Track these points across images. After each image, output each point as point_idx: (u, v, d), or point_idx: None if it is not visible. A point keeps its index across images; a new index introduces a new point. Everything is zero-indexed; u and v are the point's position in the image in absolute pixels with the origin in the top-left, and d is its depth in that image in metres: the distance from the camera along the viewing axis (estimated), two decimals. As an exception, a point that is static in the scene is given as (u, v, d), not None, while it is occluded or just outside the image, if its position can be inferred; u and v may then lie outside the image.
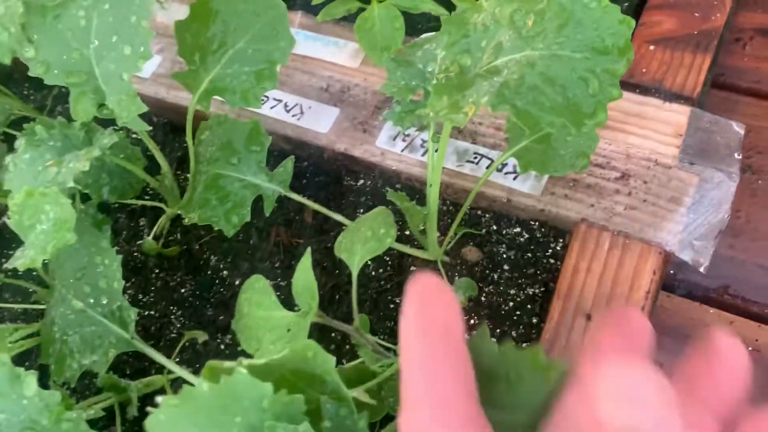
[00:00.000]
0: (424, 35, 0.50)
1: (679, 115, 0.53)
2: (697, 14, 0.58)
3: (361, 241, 0.45)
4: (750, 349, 0.54)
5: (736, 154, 0.51)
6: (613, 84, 0.33)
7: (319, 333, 0.52)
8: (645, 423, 0.20)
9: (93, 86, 0.45)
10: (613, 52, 0.33)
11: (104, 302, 0.48)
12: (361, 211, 0.57)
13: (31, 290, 0.55)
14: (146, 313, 0.56)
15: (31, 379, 0.37)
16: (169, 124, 0.66)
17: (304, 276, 0.43)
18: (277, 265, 0.57)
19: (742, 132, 0.52)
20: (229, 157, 0.52)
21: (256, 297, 0.46)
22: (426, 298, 0.25)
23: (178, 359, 0.53)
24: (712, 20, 0.58)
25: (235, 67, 0.47)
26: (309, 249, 0.45)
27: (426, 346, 0.24)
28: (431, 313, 0.24)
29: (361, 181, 0.58)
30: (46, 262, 0.45)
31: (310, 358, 0.32)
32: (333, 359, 0.32)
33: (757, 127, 0.64)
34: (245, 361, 0.31)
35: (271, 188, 0.51)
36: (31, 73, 0.45)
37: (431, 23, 0.66)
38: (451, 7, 0.64)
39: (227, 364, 0.31)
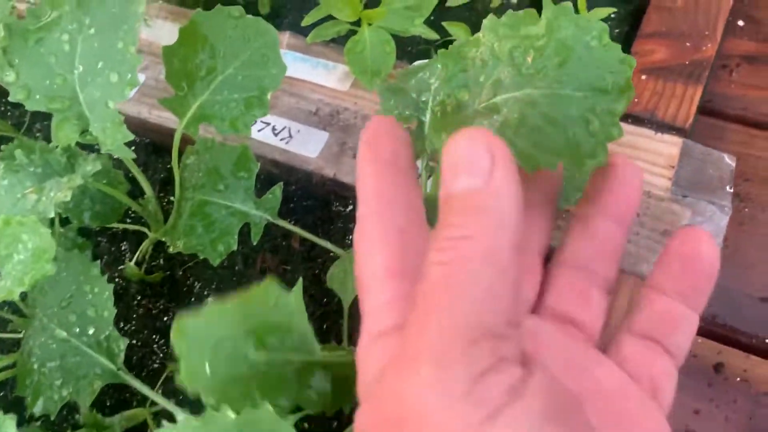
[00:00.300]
0: (416, 63, 0.49)
1: (671, 146, 0.53)
2: (688, 44, 0.58)
3: (352, 273, 0.44)
4: (738, 379, 0.54)
5: (728, 187, 0.51)
6: (614, 124, 0.33)
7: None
8: (476, 182, 0.22)
9: (76, 112, 0.43)
10: (613, 91, 0.32)
11: (91, 332, 0.47)
12: (350, 238, 0.56)
13: (6, 319, 0.53)
14: (128, 341, 0.54)
15: (9, 423, 0.36)
16: (151, 145, 0.64)
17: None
18: (263, 292, 0.55)
19: (733, 164, 0.53)
20: (216, 183, 0.50)
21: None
22: (377, 132, 0.28)
23: (161, 390, 0.52)
24: (703, 50, 0.58)
25: (225, 94, 0.45)
26: (300, 280, 0.44)
27: (375, 169, 0.27)
28: (381, 143, 0.27)
29: (351, 207, 0.57)
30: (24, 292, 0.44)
31: (273, 305, 0.33)
32: (294, 298, 0.34)
33: (744, 155, 0.64)
34: (208, 307, 0.31)
35: (259, 216, 0.50)
36: (11, 98, 0.44)
37: (421, 46, 0.65)
38: (441, 31, 0.63)
39: (194, 312, 0.31)
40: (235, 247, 0.49)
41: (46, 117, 0.68)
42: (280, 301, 0.33)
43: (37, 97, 0.43)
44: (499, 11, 0.67)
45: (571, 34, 0.32)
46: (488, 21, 0.33)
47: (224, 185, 0.49)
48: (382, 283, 0.25)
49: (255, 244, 0.51)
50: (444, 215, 0.23)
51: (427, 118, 0.41)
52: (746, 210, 0.61)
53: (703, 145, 0.61)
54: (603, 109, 0.32)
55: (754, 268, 0.58)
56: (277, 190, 0.49)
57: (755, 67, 0.69)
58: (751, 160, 0.64)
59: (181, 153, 0.52)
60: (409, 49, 0.65)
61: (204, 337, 0.31)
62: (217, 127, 0.46)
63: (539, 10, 0.62)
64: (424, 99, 0.42)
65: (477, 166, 0.22)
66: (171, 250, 0.49)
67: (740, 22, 0.72)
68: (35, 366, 0.47)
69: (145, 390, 0.46)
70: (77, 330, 0.46)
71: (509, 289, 0.22)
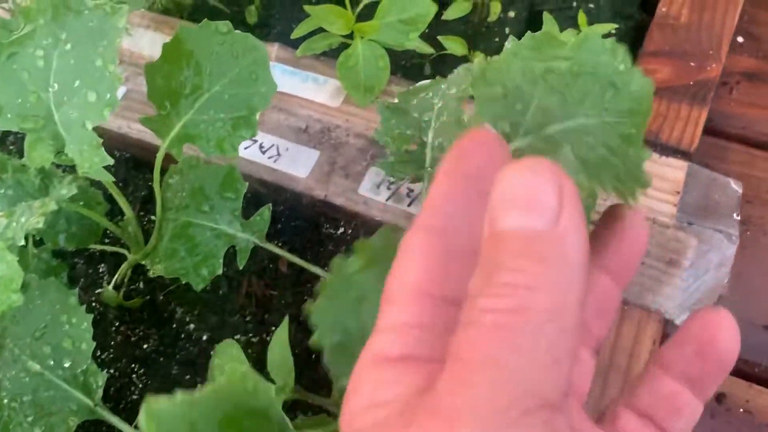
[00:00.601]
0: (420, 83, 0.47)
1: (676, 170, 0.51)
2: (692, 63, 0.56)
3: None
4: (741, 410, 0.52)
5: (734, 215, 0.49)
6: (643, 146, 0.31)
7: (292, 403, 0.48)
8: (541, 224, 0.19)
9: (51, 132, 0.41)
10: (640, 113, 0.30)
11: (66, 365, 0.44)
12: (341, 261, 0.54)
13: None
14: (104, 371, 0.51)
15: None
16: (132, 160, 0.61)
17: (280, 350, 0.40)
18: (248, 318, 0.53)
19: (740, 190, 0.51)
20: (201, 203, 0.48)
21: (229, 365, 0.42)
22: (471, 142, 0.24)
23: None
24: (708, 70, 0.56)
25: (210, 113, 0.43)
26: (286, 319, 0.41)
27: (452, 181, 0.23)
28: (470, 156, 0.24)
29: (341, 230, 0.55)
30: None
31: (251, 391, 0.30)
32: (273, 388, 0.31)
33: (746, 176, 0.63)
34: (181, 394, 0.28)
35: (246, 239, 0.47)
36: (-20, 117, 0.41)
37: (415, 60, 0.63)
38: (436, 45, 0.61)
39: (163, 398, 0.28)
40: (220, 272, 0.47)
41: (21, 128, 0.65)
42: (258, 387, 0.31)
43: (9, 115, 0.40)
44: (497, 25, 0.65)
45: (603, 59, 0.30)
46: (511, 45, 0.30)
47: (209, 206, 0.47)
48: (407, 300, 0.22)
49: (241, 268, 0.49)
50: (495, 255, 0.20)
51: (429, 138, 0.38)
52: (748, 233, 0.59)
53: (705, 165, 0.59)
54: (635, 132, 0.30)
55: (756, 294, 0.57)
56: (266, 211, 0.46)
57: (755, 85, 0.68)
58: (752, 181, 0.62)
59: (164, 171, 0.49)
60: (403, 63, 0.63)
61: (175, 427, 0.28)
62: (202, 149, 0.43)
63: (537, 24, 0.60)
64: (426, 119, 0.40)
65: (542, 204, 0.19)
66: (151, 274, 0.46)
67: (740, 39, 0.70)
68: (5, 401, 0.44)
69: (124, 427, 0.43)
70: (52, 363, 0.43)
71: (570, 354, 0.19)
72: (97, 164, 0.39)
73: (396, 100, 0.43)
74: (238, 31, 0.42)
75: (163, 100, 0.42)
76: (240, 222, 0.48)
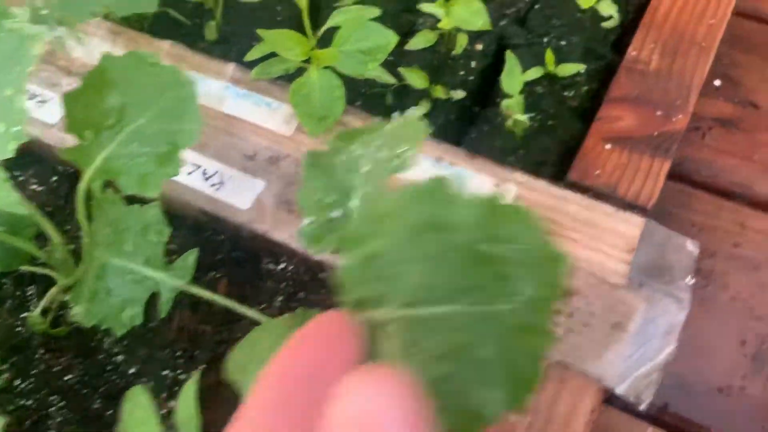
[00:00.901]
0: (358, 127, 0.44)
1: (631, 226, 0.48)
2: (658, 113, 0.54)
3: (258, 361, 0.40)
4: (688, 476, 0.50)
5: (688, 279, 0.47)
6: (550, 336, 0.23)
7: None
8: None
9: (-39, 159, 0.38)
10: (548, 296, 0.22)
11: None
12: (280, 298, 0.52)
13: None
14: (21, 402, 0.49)
15: None
16: (75, 175, 0.59)
17: (186, 407, 0.37)
18: (178, 354, 0.50)
19: (696, 252, 0.49)
20: (122, 243, 0.45)
21: (138, 412, 0.40)
22: (316, 332, 0.20)
23: (51, 462, 0.47)
24: (674, 121, 0.54)
25: (134, 147, 0.40)
26: (197, 375, 0.39)
27: (274, 385, 0.19)
28: (308, 350, 0.20)
29: (282, 265, 0.52)
30: None
31: None
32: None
33: (709, 227, 0.60)
34: None
35: (169, 284, 0.44)
36: None
37: (377, 89, 0.61)
38: (398, 75, 0.59)
39: None
40: (140, 321, 0.44)
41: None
42: None
43: None
44: (463, 57, 0.62)
45: (518, 230, 0.22)
46: (405, 190, 0.23)
47: (132, 245, 0.44)
48: None
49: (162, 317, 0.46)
50: None
51: (355, 207, 0.35)
52: (708, 288, 0.57)
53: (668, 213, 0.57)
54: (542, 317, 0.23)
55: (712, 354, 0.54)
56: (191, 256, 0.44)
57: (729, 132, 0.66)
58: (717, 233, 0.60)
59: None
60: (364, 91, 0.61)
61: None
62: (123, 185, 0.41)
63: (501, 60, 0.57)
64: (354, 183, 0.37)
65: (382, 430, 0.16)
66: (72, 317, 0.44)
67: (717, 82, 0.68)
68: None
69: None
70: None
71: None
72: (3, 199, 0.36)
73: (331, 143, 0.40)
74: (165, 63, 0.40)
75: (83, 130, 0.40)
76: (163, 266, 0.45)
